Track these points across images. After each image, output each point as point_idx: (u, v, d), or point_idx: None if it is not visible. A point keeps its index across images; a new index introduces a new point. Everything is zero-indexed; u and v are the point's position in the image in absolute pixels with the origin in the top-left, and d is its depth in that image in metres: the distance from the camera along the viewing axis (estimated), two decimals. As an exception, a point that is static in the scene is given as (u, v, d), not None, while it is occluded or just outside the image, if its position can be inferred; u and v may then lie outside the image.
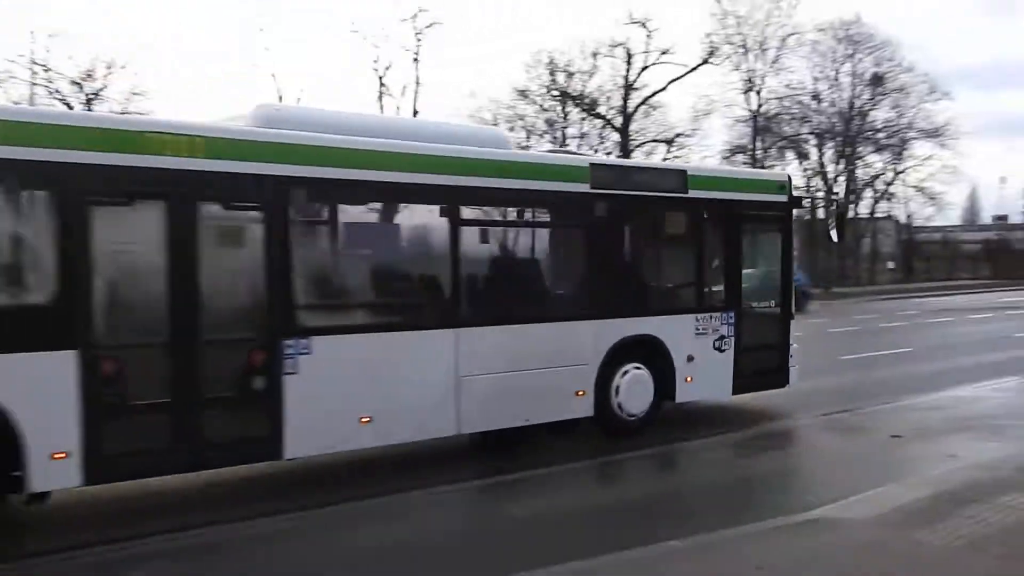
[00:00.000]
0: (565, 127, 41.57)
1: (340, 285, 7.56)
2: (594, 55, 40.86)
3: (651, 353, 9.09)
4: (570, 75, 40.86)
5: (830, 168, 46.64)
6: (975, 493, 6.50)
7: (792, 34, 43.36)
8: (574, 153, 12.64)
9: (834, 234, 11.46)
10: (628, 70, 40.55)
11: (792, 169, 44.72)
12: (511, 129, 40.98)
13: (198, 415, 6.34)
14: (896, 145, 45.66)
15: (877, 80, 45.25)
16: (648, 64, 40.28)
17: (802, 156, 45.30)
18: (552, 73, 40.60)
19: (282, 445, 6.78)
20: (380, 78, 35.73)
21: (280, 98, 33.32)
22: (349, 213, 7.46)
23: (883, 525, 5.76)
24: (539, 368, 8.23)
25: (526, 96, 40.86)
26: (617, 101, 41.14)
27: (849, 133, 45.48)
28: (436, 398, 7.61)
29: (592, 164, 8.89)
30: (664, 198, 9.28)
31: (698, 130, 42.37)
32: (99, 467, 5.96)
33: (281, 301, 6.75)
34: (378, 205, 7.72)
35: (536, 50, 58.08)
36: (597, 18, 62.28)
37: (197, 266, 6.27)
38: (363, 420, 7.20)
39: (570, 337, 8.51)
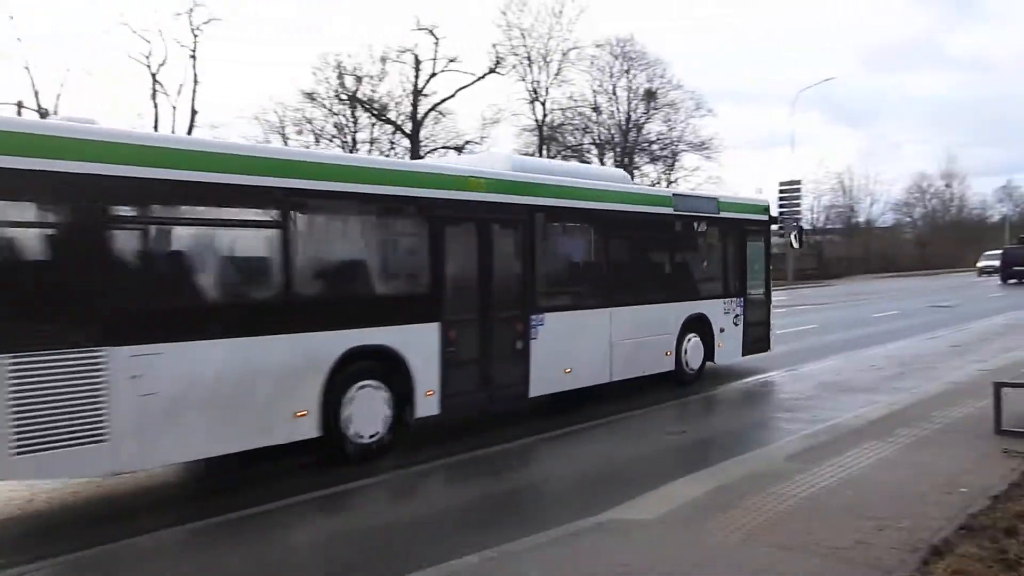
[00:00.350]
0: (355, 132, 40.70)
1: (558, 279, 10.46)
2: (383, 60, 40.35)
3: (702, 326, 12.59)
4: (359, 79, 40.09)
5: (610, 177, 48.62)
6: (753, 484, 6.72)
7: (573, 48, 45.04)
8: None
9: (795, 241, 15.27)
10: (417, 76, 40.39)
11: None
12: (299, 132, 39.61)
13: (492, 367, 9.25)
14: (668, 156, 48.58)
15: (650, 95, 47.91)
16: (436, 71, 40.33)
17: (585, 164, 47.04)
18: (340, 77, 39.70)
19: (528, 389, 9.68)
20: (153, 75, 33.24)
21: (36, 94, 30.12)
22: (564, 231, 10.66)
23: (669, 523, 5.80)
24: (649, 336, 11.56)
25: (314, 99, 39.61)
26: (407, 107, 40.87)
27: (627, 144, 47.83)
28: (601, 356, 10.72)
29: (674, 194, 12.57)
30: (707, 217, 12.78)
31: (487, 138, 42.94)
32: (447, 402, 8.66)
33: (530, 289, 9.72)
34: (577, 225, 10.76)
35: (323, 52, 56.65)
36: (386, 23, 61.73)
37: (492, 266, 9.26)
38: (566, 371, 10.16)
39: (663, 315, 11.88)
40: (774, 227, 14.64)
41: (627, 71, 48.11)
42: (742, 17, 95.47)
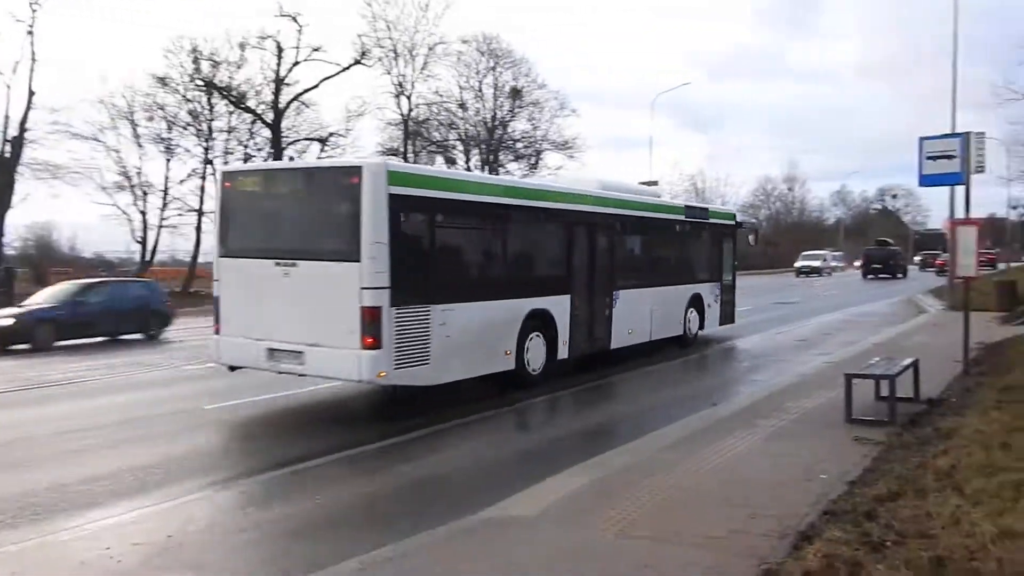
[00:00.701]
0: (211, 120, 38.85)
1: (626, 266, 14.70)
2: (242, 46, 38.66)
3: (698, 303, 17.11)
4: (216, 65, 38.24)
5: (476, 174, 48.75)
6: (630, 476, 6.78)
7: (439, 43, 44.63)
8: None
9: (751, 240, 21.18)
10: (279, 64, 38.95)
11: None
12: (150, 119, 37.42)
13: (594, 326, 13.60)
14: (532, 155, 48.98)
15: (516, 93, 48.16)
16: (299, 60, 39.04)
17: (450, 161, 46.88)
18: (196, 61, 37.73)
19: (610, 343, 14.09)
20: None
21: None
22: (630, 232, 14.97)
23: (549, 518, 5.73)
24: (672, 308, 16.08)
25: (166, 84, 37.47)
26: (268, 96, 39.37)
27: (492, 141, 47.90)
28: (647, 322, 15.19)
29: (686, 205, 17.64)
30: (702, 222, 17.45)
31: (351, 130, 41.98)
32: (571, 349, 12.89)
33: (614, 273, 14.14)
34: (637, 228, 15.21)
35: (177, 35, 53.77)
36: (246, 7, 59.02)
37: (595, 257, 13.80)
38: (629, 332, 14.58)
39: (677, 293, 16.34)
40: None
41: (493, 68, 48.22)
42: (600, 23, 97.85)
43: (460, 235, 11.36)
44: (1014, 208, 61.64)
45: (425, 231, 10.44)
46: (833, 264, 61.48)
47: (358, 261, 9.50)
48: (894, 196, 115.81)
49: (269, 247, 10.41)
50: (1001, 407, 8.41)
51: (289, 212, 10.69)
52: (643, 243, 15.80)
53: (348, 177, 9.72)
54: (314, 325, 9.87)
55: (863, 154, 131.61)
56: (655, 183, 40.01)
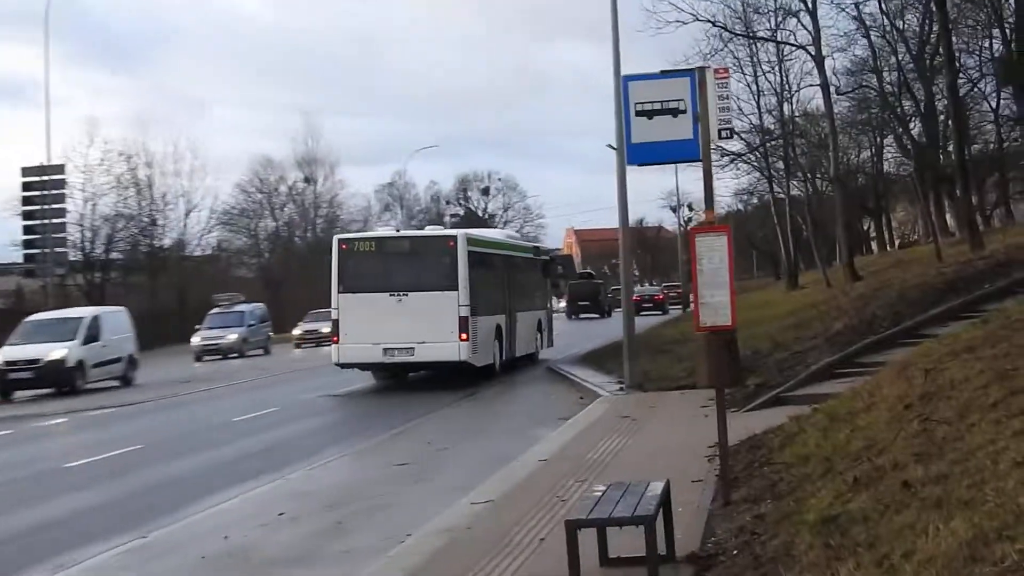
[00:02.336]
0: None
1: (490, 294, 30.74)
2: None
3: (540, 326, 36.89)
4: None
5: None
6: None
7: None
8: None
9: (560, 270, 44.24)
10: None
11: None
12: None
13: (526, 338, 34.48)
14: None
15: None
16: None
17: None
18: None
19: (538, 354, 36.11)
20: None
21: None
22: (499, 266, 32.83)
23: None
24: (526, 326, 34.42)
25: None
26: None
27: None
28: (515, 340, 33.41)
29: (535, 246, 41.83)
30: (536, 258, 38.28)
31: None
32: (507, 358, 31.84)
33: (510, 299, 33.33)
34: (502, 263, 33.43)
35: None
36: None
37: (512, 286, 33.89)
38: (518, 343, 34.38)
39: (531, 317, 35.36)
40: None
41: None
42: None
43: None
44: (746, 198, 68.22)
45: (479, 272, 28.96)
46: None
47: (456, 290, 26.68)
48: (486, 191, 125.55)
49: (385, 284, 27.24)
50: (842, 562, 6.47)
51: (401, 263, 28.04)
52: (521, 277, 34.07)
53: (447, 241, 28.02)
54: (423, 330, 26.24)
55: (427, 116, 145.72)
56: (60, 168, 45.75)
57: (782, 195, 56.38)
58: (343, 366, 27.78)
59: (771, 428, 13.83)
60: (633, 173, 25.78)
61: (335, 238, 29.43)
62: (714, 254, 10.17)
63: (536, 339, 35.15)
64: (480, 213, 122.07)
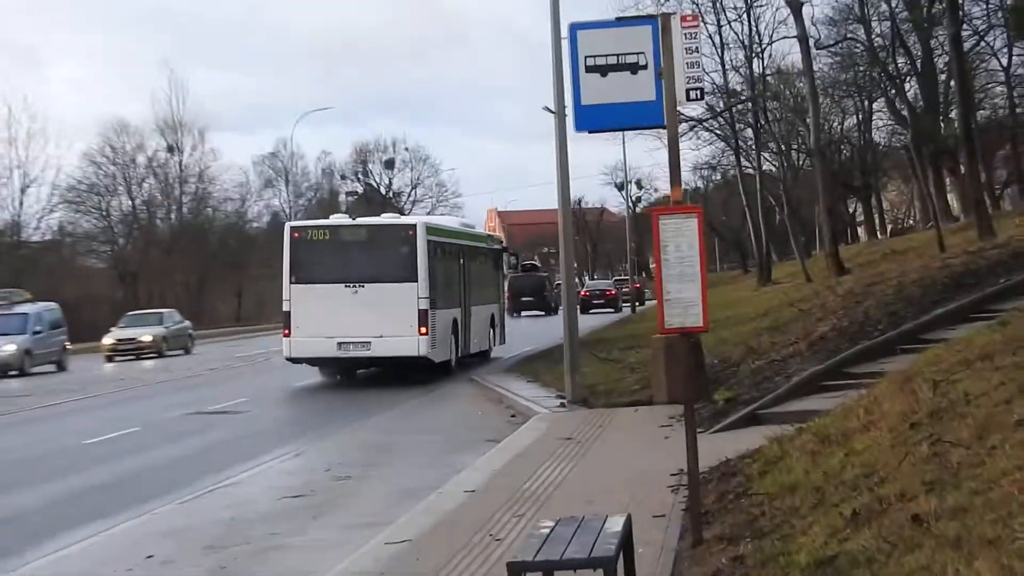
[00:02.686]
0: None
1: (448, 287, 35.26)
2: None
3: (493, 322, 42.44)
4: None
5: None
6: None
7: None
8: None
9: (511, 262, 50.16)
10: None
11: None
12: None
13: (480, 333, 39.59)
14: None
15: None
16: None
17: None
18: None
19: (491, 351, 41.83)
20: None
21: None
22: (456, 256, 37.14)
23: None
24: (480, 321, 39.11)
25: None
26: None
27: None
28: (470, 336, 38.42)
29: (488, 235, 49.33)
30: (491, 248, 43.80)
31: None
32: (462, 354, 36.68)
33: (466, 292, 38.52)
34: (458, 253, 37.91)
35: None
36: None
37: (468, 278, 38.83)
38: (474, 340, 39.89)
39: (484, 312, 40.54)
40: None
41: None
42: None
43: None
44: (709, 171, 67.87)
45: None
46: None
47: (416, 281, 30.66)
48: (390, 164, 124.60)
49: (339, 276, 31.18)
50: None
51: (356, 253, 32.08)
52: (476, 268, 38.17)
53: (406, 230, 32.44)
54: (380, 323, 30.04)
55: (317, 72, 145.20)
56: None
57: (751, 170, 56.55)
58: (294, 360, 31.73)
59: (747, 452, 13.97)
60: (570, 144, 25.09)
61: (287, 225, 33.92)
62: (682, 240, 10.24)
63: (489, 335, 39.40)
64: (383, 190, 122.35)
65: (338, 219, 37.90)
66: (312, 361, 32.26)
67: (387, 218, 39.20)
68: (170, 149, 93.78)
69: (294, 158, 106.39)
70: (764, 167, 54.68)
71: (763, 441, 13.87)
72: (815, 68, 44.30)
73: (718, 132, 53.24)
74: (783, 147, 54.62)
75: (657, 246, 10.37)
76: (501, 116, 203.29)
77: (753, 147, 53.26)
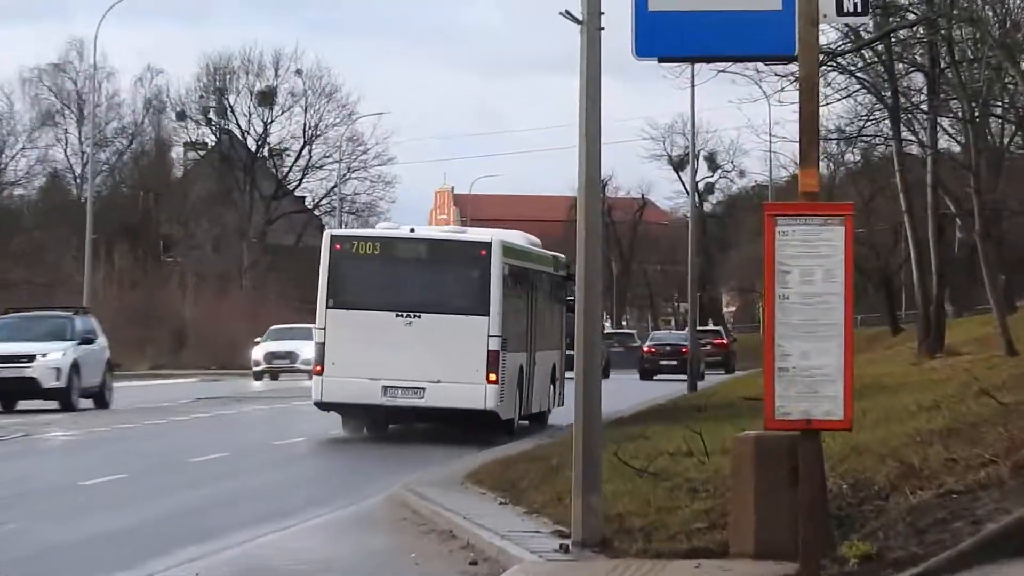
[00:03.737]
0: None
1: (518, 324, 29.31)
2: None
3: (554, 375, 34.43)
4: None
5: None
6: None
7: None
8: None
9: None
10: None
11: None
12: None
13: (541, 389, 31.42)
14: None
15: None
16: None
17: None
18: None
19: (548, 416, 34.14)
20: None
21: None
22: (526, 286, 30.43)
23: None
24: (543, 372, 31.30)
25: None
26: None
27: None
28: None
29: (553, 256, 33.74)
30: (556, 273, 33.18)
31: None
32: (523, 413, 30.64)
33: (533, 333, 31.90)
34: (529, 282, 31.38)
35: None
36: None
37: (535, 315, 31.83)
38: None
39: (547, 360, 32.67)
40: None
41: None
42: None
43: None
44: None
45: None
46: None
47: (487, 315, 25.86)
48: (267, 97, 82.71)
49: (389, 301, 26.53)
50: None
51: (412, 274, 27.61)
52: (542, 301, 31.04)
53: (478, 249, 27.22)
54: (438, 365, 25.30)
55: None
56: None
57: (915, 147, 37.87)
58: (324, 407, 26.31)
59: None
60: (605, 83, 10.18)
61: (327, 234, 28.50)
62: (817, 263, 7.51)
63: (549, 392, 31.81)
64: (252, 143, 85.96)
65: (390, 229, 32.31)
66: (348, 408, 26.43)
67: (453, 231, 33.77)
68: None
69: (96, 76, 70.47)
70: (941, 144, 36.06)
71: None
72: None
73: (862, 77, 34.72)
74: (975, 108, 33.12)
75: (770, 272, 7.68)
76: (466, 24, 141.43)
77: (924, 107, 34.84)
